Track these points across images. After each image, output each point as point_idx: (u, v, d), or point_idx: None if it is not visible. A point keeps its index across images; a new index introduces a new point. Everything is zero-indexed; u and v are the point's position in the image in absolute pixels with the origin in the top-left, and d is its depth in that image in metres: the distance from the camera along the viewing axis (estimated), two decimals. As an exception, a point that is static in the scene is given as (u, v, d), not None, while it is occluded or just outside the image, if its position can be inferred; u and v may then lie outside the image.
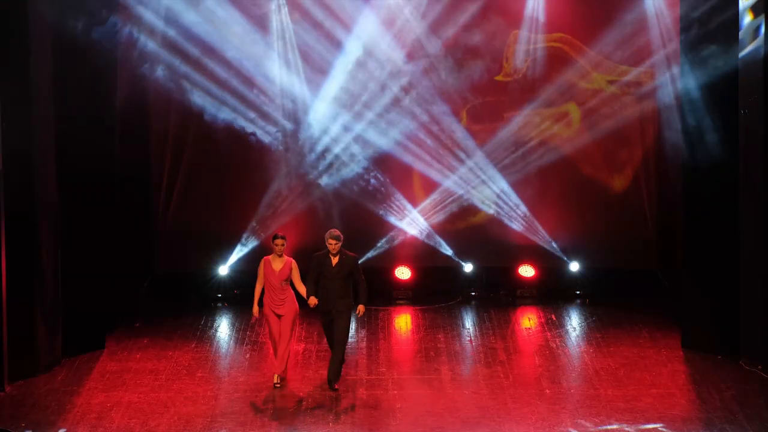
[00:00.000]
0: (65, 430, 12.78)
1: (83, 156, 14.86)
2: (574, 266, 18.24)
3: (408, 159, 18.06)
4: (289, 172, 18.06)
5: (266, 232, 17.98)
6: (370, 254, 18.02)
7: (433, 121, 17.93)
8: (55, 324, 14.75)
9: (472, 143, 18.00)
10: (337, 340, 13.80)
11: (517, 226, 18.20)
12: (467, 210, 18.30)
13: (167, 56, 17.14)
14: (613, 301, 17.57)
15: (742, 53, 14.40)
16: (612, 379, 14.33)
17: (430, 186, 18.19)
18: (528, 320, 17.07)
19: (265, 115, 17.76)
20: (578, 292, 18.12)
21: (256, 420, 13.11)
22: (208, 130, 17.68)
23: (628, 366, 14.77)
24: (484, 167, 18.06)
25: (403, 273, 18.25)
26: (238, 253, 18.07)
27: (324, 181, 18.02)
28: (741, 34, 14.42)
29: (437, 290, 18.11)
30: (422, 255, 18.35)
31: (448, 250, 18.30)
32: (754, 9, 14.31)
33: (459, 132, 17.98)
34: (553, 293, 18.03)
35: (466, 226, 18.38)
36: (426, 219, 18.24)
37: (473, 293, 18.19)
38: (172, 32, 17.06)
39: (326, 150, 17.95)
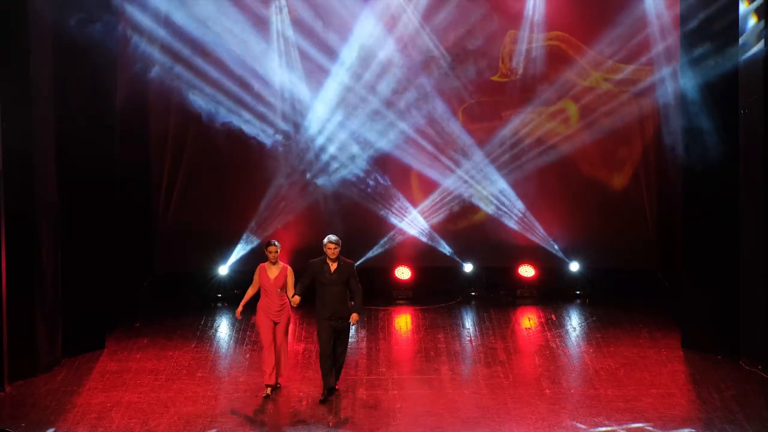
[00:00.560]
0: (54, 429, 12.77)
1: (83, 156, 14.86)
2: (574, 266, 18.24)
3: (408, 159, 18.06)
4: (289, 172, 18.06)
5: (266, 232, 17.99)
6: (370, 254, 18.02)
7: (433, 121, 17.94)
8: (55, 324, 14.75)
9: (472, 143, 18.01)
10: (340, 347, 13.65)
11: (517, 226, 18.20)
12: (467, 210, 18.31)
13: (167, 56, 17.14)
14: (613, 301, 17.58)
15: (741, 53, 14.40)
16: (612, 379, 14.33)
17: (429, 186, 18.19)
18: (528, 320, 17.07)
19: (265, 116, 17.76)
20: (578, 292, 18.12)
21: (256, 420, 13.11)
22: (208, 130, 17.68)
23: (628, 366, 14.77)
24: (484, 167, 18.07)
25: (403, 273, 18.25)
26: (238, 253, 18.07)
27: (324, 181, 18.02)
28: (741, 33, 14.41)
29: (437, 290, 18.11)
30: (422, 255, 18.36)
31: (448, 250, 18.31)
32: (754, 9, 14.31)
33: (458, 132, 17.99)
34: (553, 293, 18.03)
35: (466, 226, 18.39)
36: (426, 219, 18.24)
37: (473, 293, 18.20)
38: (172, 33, 17.05)
39: (326, 150, 17.96)
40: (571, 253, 18.25)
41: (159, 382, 14.31)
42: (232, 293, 17.89)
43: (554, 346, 15.76)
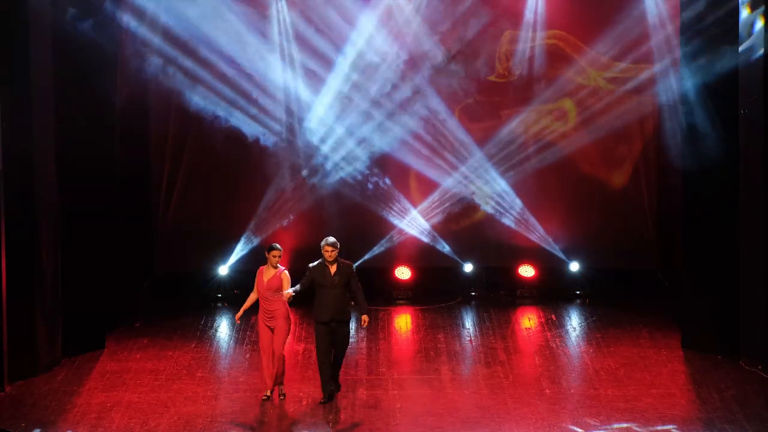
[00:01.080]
0: (54, 430, 12.77)
1: (83, 156, 14.86)
2: (574, 266, 18.24)
3: (408, 159, 18.07)
4: (289, 172, 18.06)
5: (266, 232, 18.00)
6: (370, 254, 18.02)
7: (433, 121, 17.94)
8: (55, 324, 14.75)
9: (472, 143, 18.01)
10: (340, 350, 13.59)
11: (517, 226, 18.20)
12: (467, 210, 18.31)
13: (167, 56, 17.13)
14: (613, 301, 17.58)
15: (742, 53, 14.39)
16: (612, 379, 14.33)
17: (429, 186, 18.19)
18: (528, 320, 17.07)
19: (265, 115, 17.75)
20: (578, 292, 18.12)
21: (256, 420, 13.11)
22: (208, 130, 17.68)
23: (628, 366, 14.77)
24: (484, 167, 18.07)
25: (403, 273, 18.25)
26: (238, 253, 18.07)
27: (324, 181, 18.02)
28: (741, 34, 14.41)
29: (437, 290, 18.12)
30: (422, 255, 18.36)
31: (448, 250, 18.30)
32: (754, 9, 14.30)
33: (458, 132, 17.99)
34: (553, 293, 18.04)
35: (466, 226, 18.39)
36: (426, 219, 18.24)
37: (473, 293, 18.20)
38: (172, 33, 17.05)
39: (326, 150, 17.95)
40: (571, 253, 18.25)
41: (159, 382, 14.31)
42: (232, 293, 17.90)
43: (554, 346, 15.76)
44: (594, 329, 16.49)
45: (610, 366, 14.79)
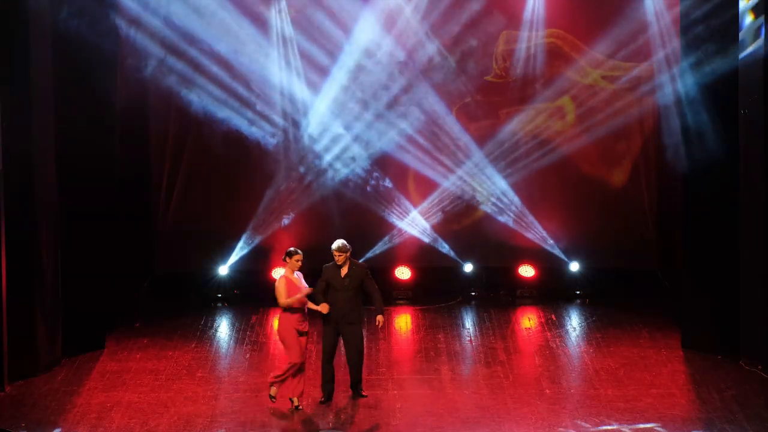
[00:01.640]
0: (54, 429, 12.75)
1: (83, 156, 14.86)
2: (574, 266, 18.24)
3: (408, 159, 18.07)
4: (289, 172, 18.06)
5: (266, 232, 18.00)
6: (370, 254, 18.02)
7: (433, 121, 17.94)
8: (55, 324, 14.75)
9: (472, 143, 18.01)
10: (353, 352, 13.54)
11: (517, 225, 18.20)
12: (467, 210, 18.31)
13: (167, 57, 17.13)
14: (613, 301, 17.58)
15: (742, 53, 14.39)
16: (612, 379, 14.33)
17: (429, 186, 18.19)
18: (528, 320, 17.07)
19: (265, 115, 17.76)
20: (578, 292, 18.12)
21: (256, 420, 13.10)
22: (208, 130, 17.67)
23: (628, 366, 14.77)
24: (484, 167, 18.07)
25: (403, 273, 18.25)
26: (238, 253, 18.07)
27: (324, 181, 18.02)
28: (741, 33, 14.41)
29: (437, 290, 18.12)
30: (422, 255, 18.36)
31: (448, 250, 18.30)
32: (755, 9, 14.31)
33: (458, 132, 17.99)
34: (553, 293, 18.04)
35: (466, 226, 18.39)
36: (426, 219, 18.25)
37: (473, 293, 18.20)
38: (172, 33, 17.05)
39: (326, 150, 17.95)
40: (571, 253, 18.26)
41: (159, 382, 14.31)
42: (232, 293, 17.91)
43: (554, 346, 15.76)
44: (594, 329, 16.49)
45: (610, 366, 14.79)
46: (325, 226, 17.53)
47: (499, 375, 14.52)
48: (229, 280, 18.05)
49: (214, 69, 17.38)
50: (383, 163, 18.08)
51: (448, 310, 17.47)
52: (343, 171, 18.00)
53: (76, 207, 14.91)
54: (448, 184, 18.13)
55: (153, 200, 18.22)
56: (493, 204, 18.21)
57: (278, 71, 17.66)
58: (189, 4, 17.00)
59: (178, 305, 17.53)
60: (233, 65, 17.43)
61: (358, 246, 17.61)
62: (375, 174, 18.07)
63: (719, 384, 14.05)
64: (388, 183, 18.14)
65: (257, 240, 18.04)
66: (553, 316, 17.09)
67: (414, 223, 18.25)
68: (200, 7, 17.05)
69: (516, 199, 18.14)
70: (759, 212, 14.44)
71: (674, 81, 16.46)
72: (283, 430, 12.95)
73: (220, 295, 17.94)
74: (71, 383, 14.21)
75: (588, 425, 12.82)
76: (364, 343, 13.98)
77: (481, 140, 18.04)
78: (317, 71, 17.71)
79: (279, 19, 17.53)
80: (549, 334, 16.31)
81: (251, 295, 17.79)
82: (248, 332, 16.23)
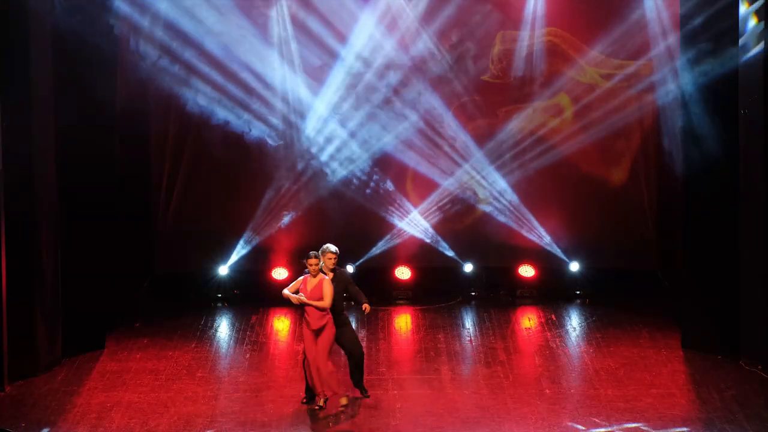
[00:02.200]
0: (54, 429, 12.75)
1: (83, 156, 14.86)
2: (574, 266, 18.24)
3: (407, 159, 18.07)
4: (288, 172, 18.05)
5: (266, 232, 18.00)
6: (370, 254, 18.02)
7: (433, 121, 17.94)
8: (55, 324, 14.74)
9: (471, 143, 18.00)
10: (353, 351, 13.50)
11: (517, 225, 18.20)
12: (467, 210, 18.31)
13: (167, 57, 17.13)
14: (613, 301, 17.57)
15: (741, 53, 14.38)
16: (612, 379, 14.32)
17: (429, 186, 18.18)
18: (528, 320, 17.07)
19: (264, 115, 17.76)
20: (578, 292, 18.12)
21: (256, 420, 13.10)
22: (207, 131, 17.68)
23: (628, 366, 14.77)
24: (484, 166, 18.07)
25: (403, 273, 18.25)
26: (238, 253, 18.07)
27: (324, 181, 18.02)
28: (741, 34, 14.40)
29: (437, 290, 18.11)
30: (422, 255, 18.35)
31: (448, 250, 18.30)
32: (754, 9, 14.30)
33: (458, 131, 17.98)
34: (553, 293, 18.03)
35: (466, 226, 18.38)
36: (426, 219, 18.24)
37: (473, 293, 18.19)
38: (171, 33, 17.05)
39: (326, 150, 17.95)
40: (571, 253, 18.25)
41: (159, 382, 14.31)
42: (232, 293, 17.91)
43: (554, 346, 15.76)
44: (594, 329, 16.48)
45: (610, 366, 14.79)
46: (325, 226, 17.52)
47: (499, 375, 14.52)
48: (229, 280, 18.05)
49: (214, 69, 17.37)
50: (383, 163, 18.08)
51: (448, 310, 17.47)
52: (342, 171, 17.99)
53: (76, 207, 14.91)
54: (448, 184, 18.13)
55: (153, 200, 18.22)
56: (493, 204, 18.20)
57: (278, 71, 17.65)
58: (189, 5, 17.00)
59: (178, 305, 17.53)
60: (233, 65, 17.42)
61: (358, 246, 17.69)
62: (375, 174, 18.07)
63: (719, 384, 14.05)
64: (387, 183, 18.14)
65: (257, 240, 18.04)
66: (553, 316, 17.09)
67: (414, 223, 18.25)
68: (200, 7, 17.05)
69: (516, 199, 18.13)
70: (759, 212, 14.44)
71: (674, 81, 16.49)
72: (282, 430, 12.95)
73: (220, 295, 17.93)
74: (71, 383, 14.21)
75: (588, 425, 12.82)
76: (365, 342, 13.96)
77: (480, 140, 18.04)
78: (317, 71, 17.71)
79: (279, 19, 17.53)
80: (549, 334, 16.31)
81: (251, 295, 17.79)
82: (248, 332, 16.23)
